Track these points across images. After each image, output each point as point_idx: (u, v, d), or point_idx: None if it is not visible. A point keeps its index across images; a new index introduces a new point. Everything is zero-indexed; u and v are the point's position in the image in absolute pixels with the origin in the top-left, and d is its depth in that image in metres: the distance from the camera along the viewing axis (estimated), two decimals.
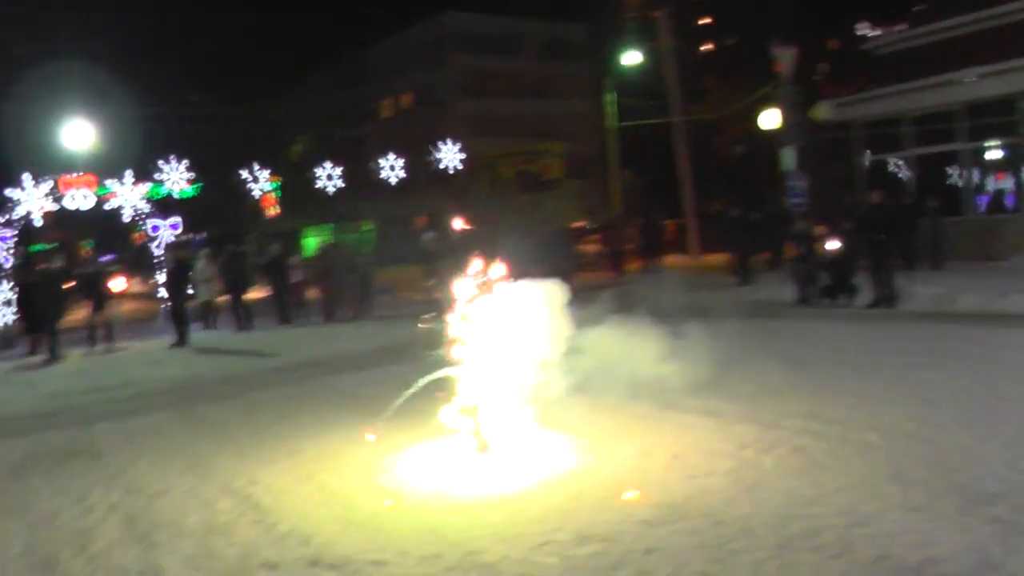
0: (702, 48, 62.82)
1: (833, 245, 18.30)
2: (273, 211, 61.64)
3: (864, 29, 37.61)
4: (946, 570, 4.87)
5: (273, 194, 43.64)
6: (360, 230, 72.99)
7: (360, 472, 7.88)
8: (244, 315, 22.61)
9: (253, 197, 33.16)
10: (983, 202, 25.85)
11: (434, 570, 5.47)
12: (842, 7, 46.88)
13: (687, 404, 9.35)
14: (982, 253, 23.29)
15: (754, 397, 9.57)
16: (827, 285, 18.59)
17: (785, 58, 25.34)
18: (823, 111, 27.54)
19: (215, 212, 54.18)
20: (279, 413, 11.09)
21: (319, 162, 30.37)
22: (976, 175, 25.89)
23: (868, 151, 28.11)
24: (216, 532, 6.54)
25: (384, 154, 30.52)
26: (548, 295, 8.15)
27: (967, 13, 24.96)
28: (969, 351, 11.60)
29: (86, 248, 64.28)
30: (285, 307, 23.32)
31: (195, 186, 27.45)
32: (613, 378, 8.90)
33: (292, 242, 66.52)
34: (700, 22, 66.92)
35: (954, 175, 25.92)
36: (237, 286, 22.98)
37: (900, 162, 27.39)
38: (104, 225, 26.89)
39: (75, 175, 24.94)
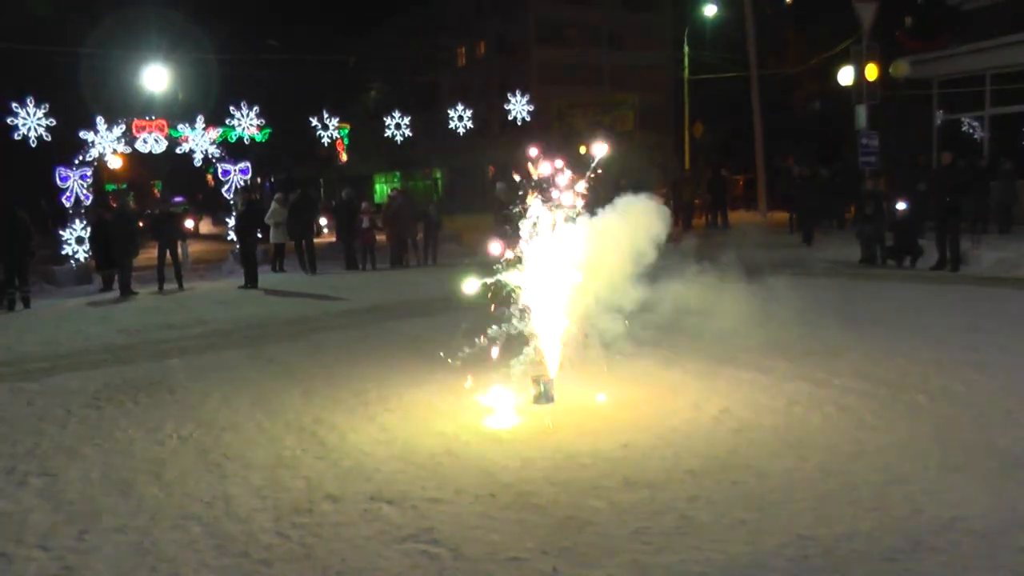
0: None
1: (900, 206, 18.24)
2: (343, 157, 62.02)
3: None
4: (976, 526, 5.06)
5: (343, 140, 43.88)
6: (429, 178, 73.44)
7: (422, 414, 8.21)
8: (309, 259, 23.07)
9: (323, 143, 33.30)
10: None
11: (488, 508, 5.76)
12: None
13: (742, 360, 9.56)
14: None
15: (808, 356, 9.73)
16: (892, 246, 18.56)
17: (866, 12, 24.99)
18: (902, 68, 27.12)
19: (285, 157, 54.76)
20: (345, 355, 11.46)
21: (391, 110, 30.41)
22: None
23: (941, 110, 27.73)
24: (282, 466, 6.90)
25: (457, 102, 30.57)
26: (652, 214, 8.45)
27: None
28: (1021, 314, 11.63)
29: (156, 188, 65.48)
30: (352, 252, 23.71)
31: (264, 131, 27.69)
32: (670, 333, 9.11)
33: (362, 188, 67.13)
34: None
35: None
36: (306, 230, 23.45)
37: (975, 122, 26.98)
38: (174, 167, 27.29)
39: (148, 119, 25.44)
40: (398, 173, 76.97)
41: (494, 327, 8.52)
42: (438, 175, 73.72)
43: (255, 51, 48.44)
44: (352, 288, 19.36)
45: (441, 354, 9.11)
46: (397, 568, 4.94)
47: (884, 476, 5.94)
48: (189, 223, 27.21)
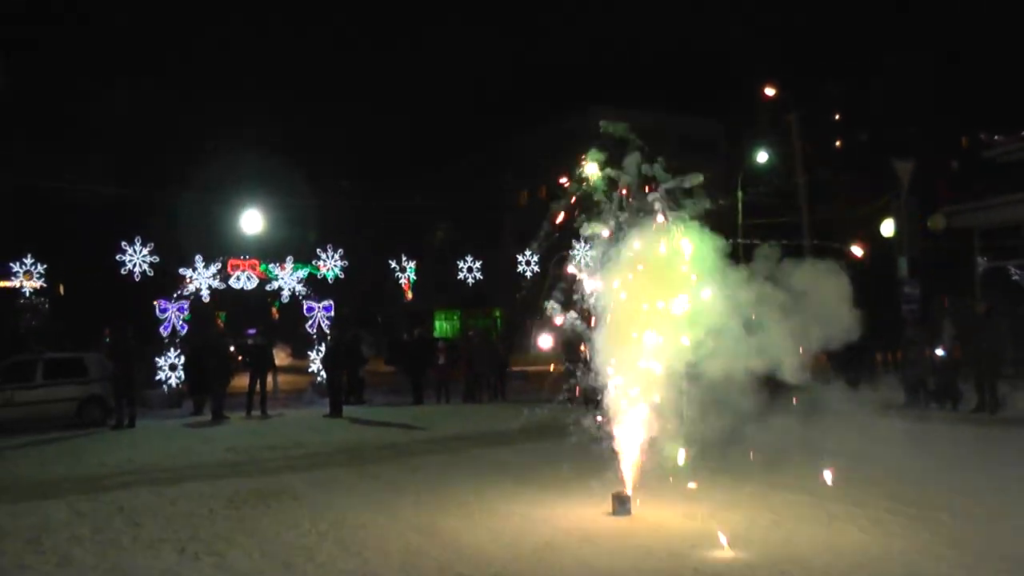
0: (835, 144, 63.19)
1: (941, 352, 19.60)
2: (409, 295, 64.25)
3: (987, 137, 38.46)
4: None
5: (408, 279, 45.98)
6: (489, 316, 75.27)
7: (519, 522, 9.75)
8: (356, 389, 24.79)
9: (395, 281, 35.45)
10: None
11: None
12: (977, 112, 47.30)
13: (793, 485, 11.00)
14: None
15: (850, 483, 11.12)
16: (934, 390, 19.86)
17: (903, 171, 26.77)
18: (939, 221, 28.74)
19: (359, 295, 57.10)
20: (442, 474, 13.05)
21: (457, 249, 32.54)
22: None
23: (983, 258, 29.23)
24: (413, 553, 8.47)
25: (517, 243, 32.64)
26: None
27: None
28: None
29: (220, 319, 67.93)
30: (420, 387, 25.36)
31: (333, 269, 29.64)
32: (734, 464, 10.63)
33: (427, 325, 69.14)
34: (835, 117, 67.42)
35: None
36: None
37: (1019, 270, 28.43)
38: (236, 300, 29.37)
39: (242, 258, 27.65)
40: (459, 311, 78.96)
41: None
42: (497, 314, 75.52)
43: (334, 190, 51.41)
44: (431, 419, 20.88)
45: (528, 476, 10.68)
46: None
47: (905, 570, 7.42)
48: (283, 355, 29.06)
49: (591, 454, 10.44)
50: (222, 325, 33.86)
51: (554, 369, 10.29)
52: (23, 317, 43.09)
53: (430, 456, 15.11)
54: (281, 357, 43.74)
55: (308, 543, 9.08)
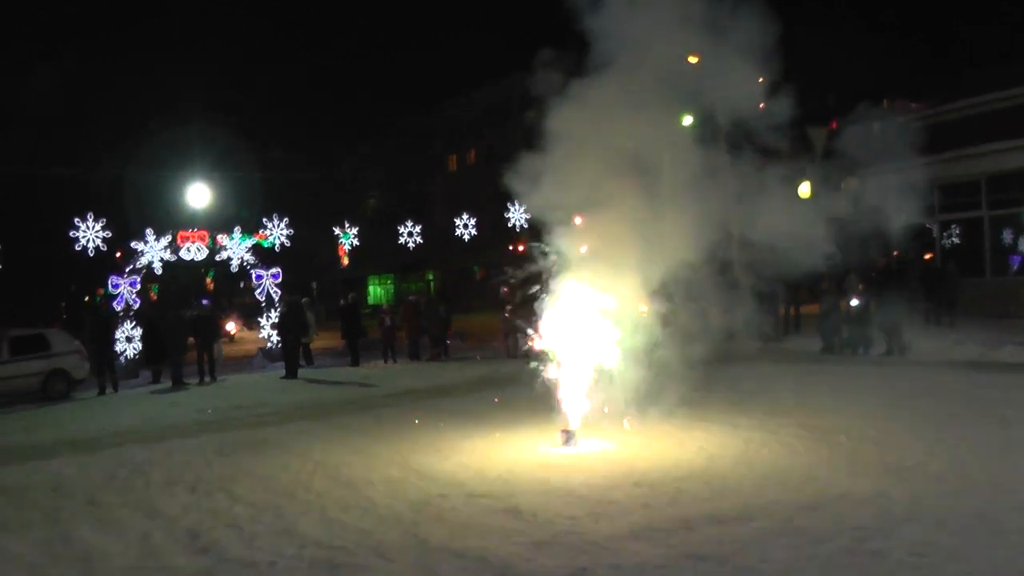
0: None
1: (854, 302, 21.44)
2: (344, 261, 65.24)
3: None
4: (856, 496, 8.16)
5: (343, 246, 46.95)
6: (422, 280, 76.58)
7: (481, 456, 11.27)
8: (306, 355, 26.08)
9: (331, 249, 36.61)
10: (1015, 262, 28.86)
11: (541, 495, 8.83)
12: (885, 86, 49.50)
13: (715, 419, 12.68)
14: (1000, 311, 26.28)
15: (766, 415, 12.87)
16: (848, 337, 21.73)
17: (817, 137, 28.51)
18: (852, 184, 30.58)
19: (300, 262, 58.20)
20: (404, 422, 14.51)
21: (392, 216, 33.84)
22: (1008, 237, 29.04)
23: (901, 215, 31.20)
24: (395, 483, 9.95)
25: (447, 208, 34.04)
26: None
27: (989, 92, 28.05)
28: (941, 387, 14.89)
29: (153, 292, 68.50)
30: (356, 350, 26.60)
31: (271, 238, 30.62)
32: (662, 407, 12.25)
33: (360, 290, 70.16)
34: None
35: (981, 238, 29.02)
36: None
37: (931, 226, 30.52)
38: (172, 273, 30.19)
39: (191, 230, 28.71)
40: (392, 275, 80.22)
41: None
42: (430, 277, 76.83)
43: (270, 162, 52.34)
44: (381, 378, 22.33)
45: (495, 399, 12.30)
46: (487, 525, 7.96)
47: (805, 476, 9.11)
48: (231, 326, 30.06)
49: (535, 401, 12.29)
50: (155, 297, 34.66)
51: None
52: None
53: (390, 408, 16.55)
54: (235, 327, 44.79)
55: (301, 479, 10.50)
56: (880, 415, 12.44)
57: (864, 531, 7.08)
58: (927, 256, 30.57)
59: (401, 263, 68.07)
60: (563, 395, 11.81)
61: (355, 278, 74.70)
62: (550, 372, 11.94)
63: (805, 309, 26.93)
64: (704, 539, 7.09)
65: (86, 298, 54.52)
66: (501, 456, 11.13)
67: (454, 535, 7.65)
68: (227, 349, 33.23)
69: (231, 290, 64.81)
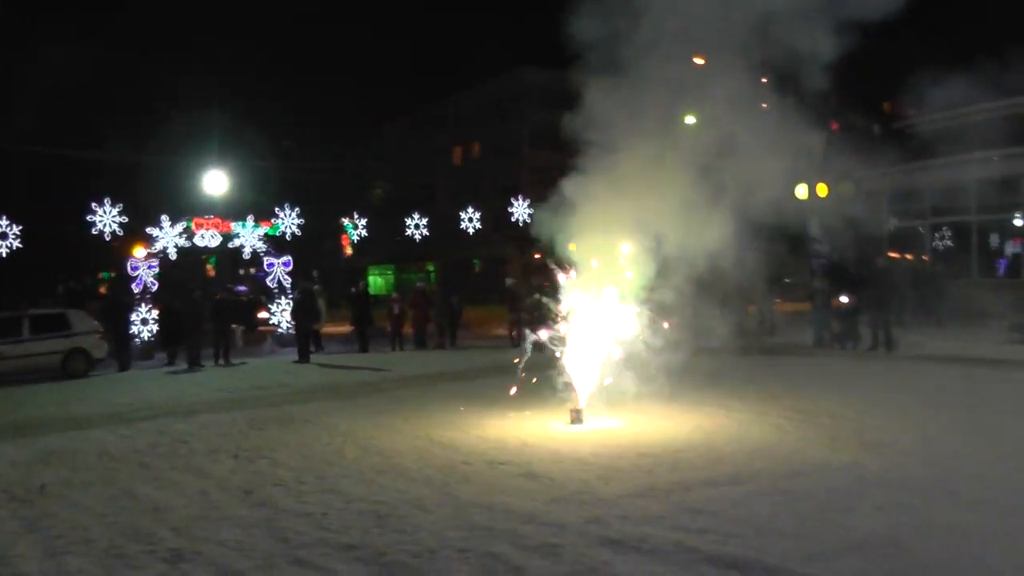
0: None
1: (844, 300, 22.54)
2: (348, 251, 66.22)
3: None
4: (834, 466, 9.26)
5: (347, 235, 47.81)
6: (423, 271, 77.48)
7: (497, 431, 12.35)
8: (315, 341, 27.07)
9: (335, 238, 37.54)
10: (1002, 265, 30.07)
11: (554, 463, 9.89)
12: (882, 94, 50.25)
13: (711, 403, 13.76)
14: (983, 312, 27.41)
15: (758, 400, 13.97)
16: (838, 332, 22.82)
17: (816, 141, 29.49)
18: (846, 188, 31.66)
19: (304, 251, 59.28)
20: (421, 402, 15.57)
21: (395, 207, 34.71)
22: (995, 241, 30.24)
23: (894, 219, 32.42)
24: (422, 452, 11.02)
25: (451, 200, 34.93)
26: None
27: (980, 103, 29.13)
28: (921, 379, 16.10)
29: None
30: (365, 337, 27.59)
31: (275, 227, 31.47)
32: (664, 391, 13.32)
33: (363, 280, 70.86)
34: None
35: (969, 241, 30.21)
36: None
37: (921, 229, 31.69)
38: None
39: (207, 217, 29.66)
40: (392, 266, 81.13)
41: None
42: (431, 268, 77.67)
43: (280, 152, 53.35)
44: (393, 363, 23.33)
45: (511, 393, 13.43)
46: (509, 485, 9.04)
47: (791, 450, 10.22)
48: (264, 314, 30.84)
49: (543, 385, 13.42)
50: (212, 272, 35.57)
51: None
52: None
53: (405, 390, 17.58)
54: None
55: (334, 448, 11.56)
56: (861, 402, 13.57)
57: (838, 493, 8.20)
58: (921, 257, 31.85)
59: (402, 254, 68.88)
60: (572, 378, 12.89)
61: (356, 267, 75.65)
62: (558, 358, 13.06)
63: (783, 307, 28.13)
64: (700, 498, 8.19)
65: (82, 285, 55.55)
66: (515, 432, 12.18)
67: (481, 493, 8.73)
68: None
69: (233, 277, 65.80)
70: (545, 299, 13.70)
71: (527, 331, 14.10)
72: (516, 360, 13.53)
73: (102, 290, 44.70)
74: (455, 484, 9.17)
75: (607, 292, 12.97)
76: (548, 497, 8.43)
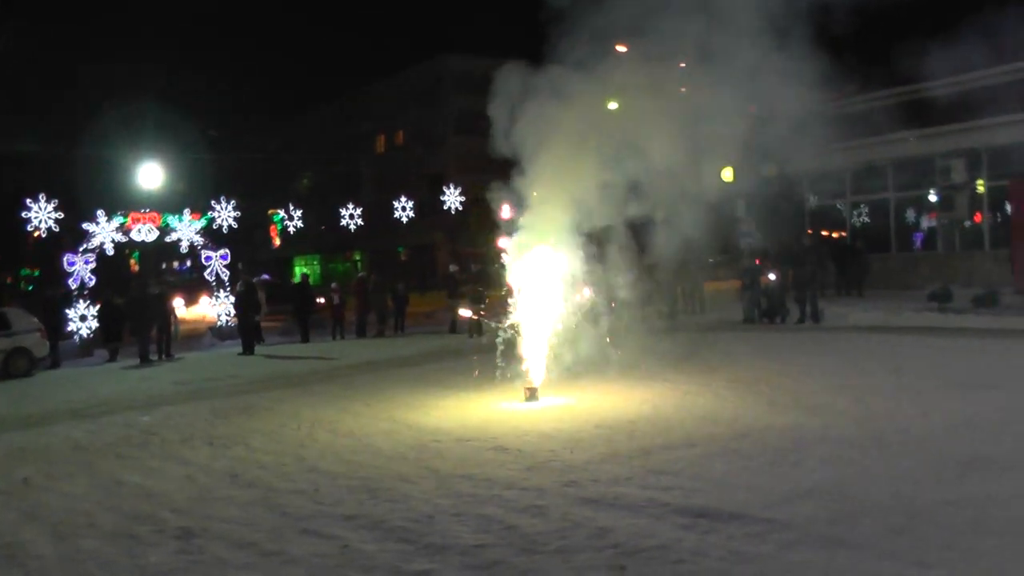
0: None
1: (771, 277, 23.56)
2: (276, 242, 66.33)
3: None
4: (777, 428, 10.11)
5: (275, 226, 47.96)
6: (349, 260, 77.60)
7: (456, 412, 13.03)
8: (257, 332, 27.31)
9: (264, 229, 37.86)
10: (919, 239, 31.56)
11: (516, 437, 10.59)
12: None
13: (654, 377, 14.60)
14: (903, 283, 28.76)
15: (698, 373, 14.88)
16: (767, 308, 23.85)
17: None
18: (771, 169, 32.79)
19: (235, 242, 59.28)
20: (376, 387, 16.17)
21: (320, 196, 35.09)
22: (911, 217, 31.68)
23: (815, 197, 33.70)
24: (389, 433, 11.65)
25: (376, 188, 35.33)
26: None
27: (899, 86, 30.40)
28: (848, 347, 17.24)
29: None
30: (306, 327, 27.95)
31: (205, 217, 31.60)
32: (609, 369, 14.09)
33: (286, 271, 71.04)
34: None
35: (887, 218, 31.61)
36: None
37: (841, 206, 33.03)
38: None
39: (143, 212, 29.70)
40: (319, 255, 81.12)
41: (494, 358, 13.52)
42: (358, 257, 77.80)
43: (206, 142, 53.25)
44: (339, 352, 23.86)
45: (476, 374, 14.34)
46: (482, 458, 9.72)
47: (731, 415, 11.11)
48: (179, 302, 30.96)
49: (492, 368, 14.08)
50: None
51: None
52: None
53: (357, 376, 18.15)
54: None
55: (305, 433, 12.10)
56: (795, 370, 14.61)
57: (784, 451, 9.05)
58: (837, 234, 33.21)
59: (328, 243, 68.96)
60: (525, 358, 13.60)
61: (281, 258, 75.70)
62: (509, 340, 13.76)
63: (713, 286, 29.19)
64: (660, 460, 8.98)
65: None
66: (474, 412, 12.89)
67: (457, 466, 9.41)
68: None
69: (157, 271, 65.42)
70: (489, 285, 14.36)
71: (467, 315, 14.77)
72: (471, 340, 14.21)
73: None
74: (430, 459, 9.82)
75: (549, 275, 13.59)
76: (522, 466, 9.13)
